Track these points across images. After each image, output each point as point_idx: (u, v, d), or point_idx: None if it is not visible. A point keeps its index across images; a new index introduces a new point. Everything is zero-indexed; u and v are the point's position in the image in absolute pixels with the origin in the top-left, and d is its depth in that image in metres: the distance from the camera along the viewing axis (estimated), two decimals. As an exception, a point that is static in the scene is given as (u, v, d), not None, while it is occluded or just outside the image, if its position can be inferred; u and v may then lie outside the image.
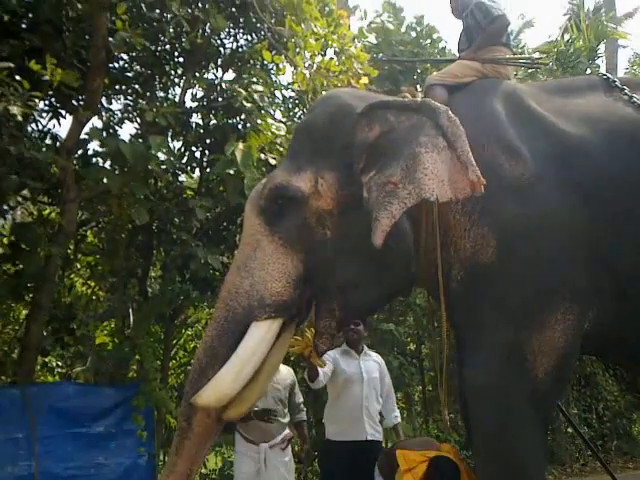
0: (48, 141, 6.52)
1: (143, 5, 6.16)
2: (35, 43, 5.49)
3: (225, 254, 6.43)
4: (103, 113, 6.57)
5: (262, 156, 5.46)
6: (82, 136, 5.98)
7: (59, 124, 6.75)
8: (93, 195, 6.01)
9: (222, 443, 7.40)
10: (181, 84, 7.12)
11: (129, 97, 7.00)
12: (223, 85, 6.38)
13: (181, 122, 6.40)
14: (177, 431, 2.71)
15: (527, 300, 2.58)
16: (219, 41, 7.02)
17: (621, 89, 2.94)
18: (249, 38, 7.03)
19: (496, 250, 2.60)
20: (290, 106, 7.62)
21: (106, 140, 5.62)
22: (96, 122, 6.42)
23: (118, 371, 6.73)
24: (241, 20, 6.78)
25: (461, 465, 3.02)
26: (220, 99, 6.39)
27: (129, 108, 6.76)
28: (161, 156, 5.91)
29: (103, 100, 6.59)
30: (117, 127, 6.71)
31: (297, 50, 5.71)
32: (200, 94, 6.79)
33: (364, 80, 5.35)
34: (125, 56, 6.69)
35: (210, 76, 7.14)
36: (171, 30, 6.28)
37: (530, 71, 7.83)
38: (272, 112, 6.14)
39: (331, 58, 5.92)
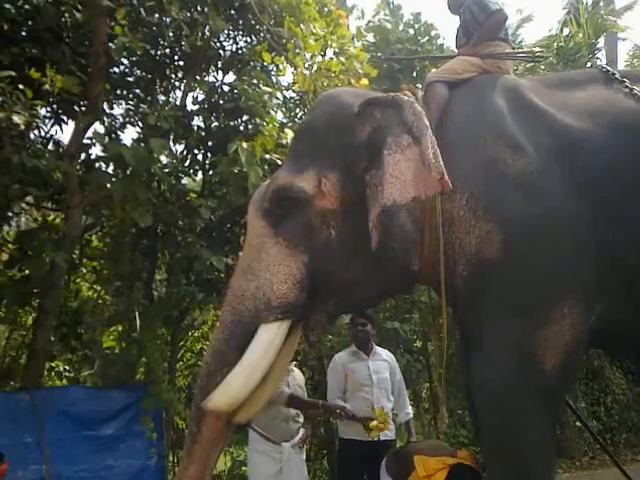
0: (51, 147, 6.56)
1: (142, 10, 6.18)
2: (35, 51, 5.51)
3: (229, 255, 6.44)
4: (105, 118, 6.58)
5: (267, 156, 5.46)
6: (84, 141, 6.01)
7: (61, 130, 6.81)
8: (97, 200, 6.03)
9: (231, 444, 7.43)
10: (182, 87, 7.14)
11: (130, 102, 7.02)
12: (224, 87, 6.40)
13: (183, 125, 6.42)
14: (188, 436, 2.72)
15: (533, 296, 2.58)
16: (219, 43, 7.02)
17: (621, 81, 2.94)
18: (249, 40, 7.02)
19: (501, 246, 2.60)
20: (291, 106, 7.63)
21: (108, 145, 5.64)
22: (98, 127, 6.44)
23: (126, 374, 6.74)
24: (240, 22, 6.79)
25: (480, 472, 3.02)
26: (221, 101, 6.41)
27: (131, 112, 6.78)
28: (163, 159, 5.95)
29: (105, 105, 6.61)
30: (119, 132, 6.75)
31: (297, 51, 5.71)
32: (201, 97, 6.82)
33: (364, 81, 5.35)
34: (125, 61, 6.72)
35: (211, 79, 7.16)
36: (170, 34, 6.29)
37: (530, 65, 7.83)
38: (274, 113, 6.12)
39: (331, 58, 5.92)
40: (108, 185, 5.53)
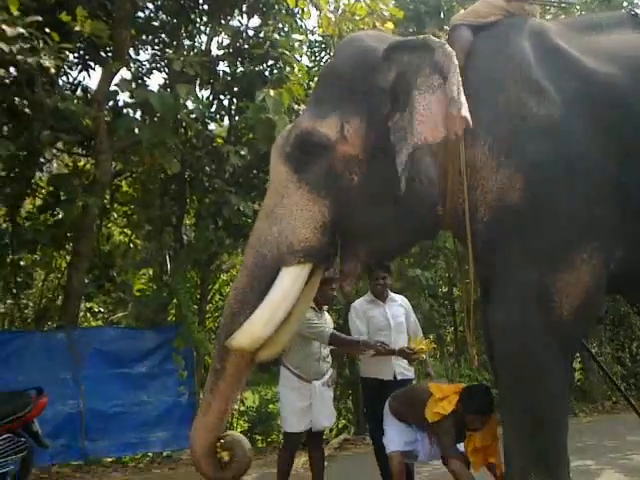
0: (79, 93, 6.62)
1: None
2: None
3: (256, 201, 6.52)
4: (131, 64, 6.60)
5: (295, 106, 5.43)
6: (112, 88, 6.05)
7: (89, 76, 6.87)
8: (125, 146, 6.12)
9: (259, 382, 7.69)
10: (207, 32, 7.08)
11: (156, 47, 7.02)
12: (249, 32, 6.33)
13: (208, 71, 6.40)
14: (211, 372, 2.81)
15: (553, 241, 2.59)
16: (243, -14, 6.91)
17: (649, 26, 2.85)
18: (273, -18, 6.89)
19: (523, 192, 2.58)
20: (316, 50, 7.53)
21: (135, 91, 5.66)
22: (125, 73, 6.47)
23: (158, 316, 6.97)
24: (265, -36, 6.65)
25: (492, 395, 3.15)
26: (246, 46, 6.36)
27: (157, 58, 6.78)
28: (190, 105, 5.97)
29: (131, 51, 6.62)
30: (145, 77, 6.77)
31: (322, -7, 5.60)
32: (226, 42, 6.76)
33: (390, 24, 5.24)
34: (150, 5, 6.67)
35: (235, 23, 7.08)
36: (194, -23, 6.21)
37: (565, 6, 7.54)
38: (301, 59, 6.05)
39: (356, 0, 5.78)
40: (136, 131, 5.58)
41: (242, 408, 7.42)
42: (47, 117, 4.88)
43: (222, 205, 6.06)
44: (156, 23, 6.99)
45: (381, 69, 2.66)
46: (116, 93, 6.05)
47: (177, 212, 7.36)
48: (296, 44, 5.77)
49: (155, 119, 5.36)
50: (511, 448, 2.67)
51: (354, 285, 2.97)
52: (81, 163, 7.11)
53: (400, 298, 4.38)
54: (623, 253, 2.66)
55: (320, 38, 7.44)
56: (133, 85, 6.14)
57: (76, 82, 6.79)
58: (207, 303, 7.83)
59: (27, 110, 4.50)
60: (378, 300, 4.21)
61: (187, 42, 7.06)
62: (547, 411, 2.62)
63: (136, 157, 6.37)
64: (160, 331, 6.67)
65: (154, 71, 6.81)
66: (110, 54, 6.27)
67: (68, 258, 6.90)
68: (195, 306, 7.20)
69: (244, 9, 6.98)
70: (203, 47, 7.00)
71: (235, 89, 6.67)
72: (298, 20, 6.63)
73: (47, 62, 4.17)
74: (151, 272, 8.21)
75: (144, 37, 6.84)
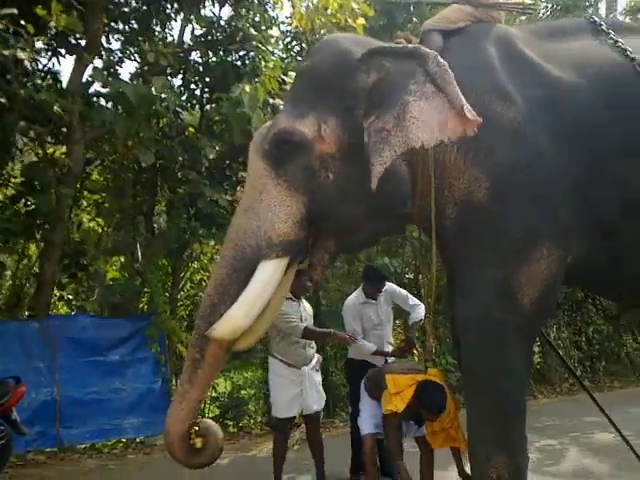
0: (50, 82, 6.56)
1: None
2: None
3: (229, 192, 6.60)
4: (103, 52, 6.57)
5: (270, 100, 5.51)
6: (85, 78, 6.03)
7: (59, 63, 6.78)
8: (98, 135, 6.11)
9: (231, 369, 7.81)
10: (178, 20, 7.09)
11: (127, 34, 6.98)
12: (222, 22, 6.36)
13: (180, 60, 6.42)
14: (189, 362, 2.86)
15: (515, 237, 2.76)
16: (215, -25, 6.92)
17: (607, 33, 3.02)
18: (245, -27, 6.92)
19: (488, 191, 2.74)
20: (289, 41, 7.58)
21: (109, 81, 5.66)
22: (97, 62, 6.44)
23: (130, 304, 7.02)
24: (237, -46, 6.68)
25: (447, 388, 3.29)
26: (219, 36, 6.39)
27: (128, 48, 6.75)
28: (162, 95, 5.97)
29: (102, 39, 6.58)
30: (117, 66, 6.73)
31: (294, -13, 5.66)
32: (199, 32, 6.78)
33: (361, 20, 5.35)
34: (122, -7, 6.64)
35: (207, 12, 7.10)
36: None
37: (530, 13, 7.73)
38: (275, 53, 6.12)
39: (329, -4, 5.87)
40: (110, 123, 5.58)
41: (214, 394, 7.53)
42: (21, 107, 4.87)
43: (197, 197, 6.11)
44: (127, 9, 6.96)
45: (359, 72, 2.78)
46: (89, 84, 6.04)
47: (149, 201, 7.39)
48: (272, 40, 5.80)
49: (130, 110, 5.37)
50: (474, 432, 2.83)
51: (322, 275, 3.12)
52: (50, 150, 7.07)
53: (385, 290, 4.51)
54: (579, 249, 2.86)
55: (292, 29, 7.49)
56: (105, 74, 6.13)
57: (46, 69, 6.75)
58: (179, 291, 7.89)
59: (2, 100, 4.48)
60: (371, 300, 4.37)
61: (158, 28, 7.03)
62: (509, 397, 2.78)
63: (109, 147, 6.37)
64: (133, 319, 6.73)
65: (125, 60, 6.78)
66: (80, 41, 6.24)
67: (35, 246, 6.87)
68: (167, 294, 7.25)
69: (216, -2, 7.03)
70: (175, 36, 7.01)
71: (207, 79, 6.72)
72: (270, 11, 6.72)
73: (22, 54, 4.18)
74: (123, 260, 8.22)
75: (115, 25, 6.80)
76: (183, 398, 2.85)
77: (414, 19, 7.29)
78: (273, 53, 6.08)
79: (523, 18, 7.67)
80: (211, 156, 6.01)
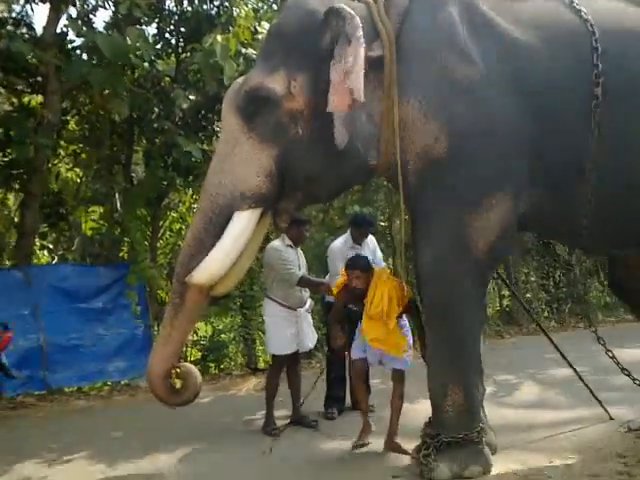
0: (24, 30, 6.49)
1: None
2: None
3: (204, 142, 6.68)
4: (77, 1, 6.49)
5: (243, 50, 5.54)
6: (59, 28, 6.00)
7: (32, 10, 6.67)
8: (74, 86, 6.12)
9: (211, 314, 8.06)
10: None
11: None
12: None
13: (155, 9, 6.39)
14: (170, 307, 3.11)
15: (471, 188, 2.97)
16: None
17: (566, -6, 3.16)
18: None
19: (446, 145, 2.94)
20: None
21: (84, 32, 5.64)
22: (71, 11, 6.37)
23: (111, 252, 7.17)
24: None
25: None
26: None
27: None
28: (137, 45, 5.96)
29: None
30: (92, 14, 6.66)
31: None
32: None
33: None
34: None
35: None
36: None
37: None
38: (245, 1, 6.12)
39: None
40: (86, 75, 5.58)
41: (195, 338, 7.80)
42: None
43: (172, 147, 6.19)
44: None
45: (321, 32, 2.94)
46: (64, 34, 6.00)
47: (126, 151, 7.45)
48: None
49: (105, 62, 5.38)
50: (433, 365, 3.12)
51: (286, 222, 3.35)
52: (25, 99, 7.05)
53: (370, 240, 4.72)
54: (530, 198, 3.08)
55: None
56: (79, 23, 6.09)
57: (19, 17, 6.65)
58: (158, 240, 8.04)
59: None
60: (357, 246, 4.59)
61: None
62: (466, 334, 3.05)
63: (85, 97, 6.38)
64: (114, 268, 6.89)
65: (99, 9, 6.71)
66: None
67: (14, 197, 6.93)
68: (147, 243, 7.42)
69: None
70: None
71: (182, 29, 6.71)
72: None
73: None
74: (102, 210, 8.32)
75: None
76: (165, 340, 3.10)
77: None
78: (247, 4, 6.06)
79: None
80: (184, 106, 6.06)
